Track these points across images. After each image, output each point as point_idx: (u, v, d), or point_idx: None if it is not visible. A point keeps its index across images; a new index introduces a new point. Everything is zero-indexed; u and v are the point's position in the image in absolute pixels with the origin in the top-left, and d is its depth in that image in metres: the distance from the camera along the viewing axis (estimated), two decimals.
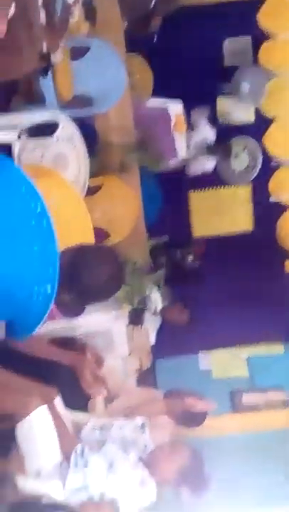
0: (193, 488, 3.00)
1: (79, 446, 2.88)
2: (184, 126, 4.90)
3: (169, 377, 4.22)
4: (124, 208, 4.29)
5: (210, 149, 4.97)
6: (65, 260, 2.53)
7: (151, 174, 4.71)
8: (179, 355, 4.44)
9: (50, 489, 2.73)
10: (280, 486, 3.76)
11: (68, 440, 2.94)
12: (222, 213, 5.15)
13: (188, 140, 4.98)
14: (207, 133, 5.01)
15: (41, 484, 2.76)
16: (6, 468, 2.78)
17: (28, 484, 2.71)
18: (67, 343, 3.46)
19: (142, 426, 3.18)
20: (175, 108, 4.87)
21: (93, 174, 3.80)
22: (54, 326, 3.45)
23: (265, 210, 5.09)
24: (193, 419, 3.42)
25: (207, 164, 5.07)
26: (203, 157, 5.02)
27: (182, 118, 4.89)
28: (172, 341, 4.37)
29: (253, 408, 4.32)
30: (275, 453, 3.93)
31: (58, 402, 3.07)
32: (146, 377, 4.23)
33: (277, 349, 4.77)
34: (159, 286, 4.30)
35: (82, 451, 2.88)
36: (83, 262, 2.87)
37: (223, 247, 5.01)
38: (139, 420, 3.20)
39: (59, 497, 2.73)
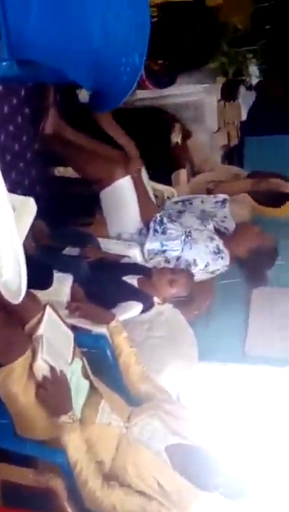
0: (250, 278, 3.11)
1: (158, 215, 3.01)
2: None
3: (257, 156, 4.13)
4: None
5: None
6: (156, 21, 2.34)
7: None
8: (269, 134, 4.28)
9: (130, 251, 2.93)
10: None
11: (149, 209, 3.06)
12: None
13: None
14: None
15: (121, 246, 2.96)
16: (89, 229, 2.96)
17: (109, 245, 2.91)
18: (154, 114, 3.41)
19: (223, 201, 3.24)
20: None
21: None
22: (145, 95, 3.38)
23: None
24: (275, 199, 3.44)
25: None
26: None
27: None
28: (264, 119, 4.19)
29: None
30: None
31: (142, 172, 3.14)
32: (233, 155, 4.18)
33: None
34: (257, 59, 4.00)
35: (162, 220, 3.02)
36: (177, 18, 2.65)
37: None
38: (220, 196, 3.26)
39: (137, 259, 2.94)
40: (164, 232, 2.99)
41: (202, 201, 3.27)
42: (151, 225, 3.00)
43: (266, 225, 3.47)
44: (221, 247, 2.99)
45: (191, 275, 2.80)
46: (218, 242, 3.00)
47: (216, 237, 3.02)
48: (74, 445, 1.99)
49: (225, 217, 3.21)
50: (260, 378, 3.18)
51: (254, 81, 3.95)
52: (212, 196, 3.29)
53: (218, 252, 2.96)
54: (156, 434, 2.15)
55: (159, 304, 2.70)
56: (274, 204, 3.50)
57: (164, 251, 2.95)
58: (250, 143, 4.27)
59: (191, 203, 3.25)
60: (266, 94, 4.25)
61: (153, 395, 2.32)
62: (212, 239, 3.00)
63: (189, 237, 2.98)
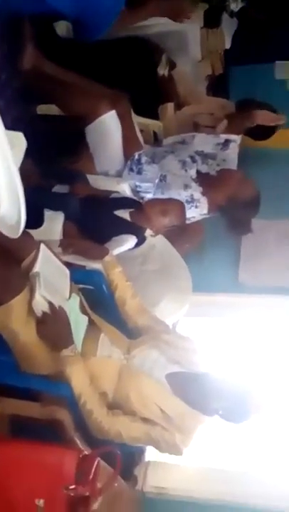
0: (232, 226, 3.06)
1: (137, 154, 2.97)
2: None
3: (242, 86, 4.04)
4: None
5: None
6: None
7: None
8: (254, 62, 4.19)
9: (119, 187, 2.90)
10: None
11: (133, 146, 3.01)
12: None
13: None
14: None
15: (110, 182, 2.93)
16: (77, 166, 2.92)
17: (98, 181, 2.88)
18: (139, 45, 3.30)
19: (225, 143, 3.17)
20: None
21: None
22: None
23: None
24: (262, 133, 3.40)
25: None
26: None
27: None
28: (248, 47, 4.08)
29: None
30: None
31: (128, 106, 3.07)
32: (218, 85, 4.09)
33: None
34: None
35: (139, 159, 2.98)
36: None
37: None
38: (222, 137, 3.18)
39: (127, 193, 2.91)
40: (139, 172, 2.95)
41: (202, 141, 3.20)
42: (128, 163, 2.97)
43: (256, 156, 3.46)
44: (197, 195, 2.91)
45: (182, 204, 2.78)
46: (194, 190, 2.92)
47: (193, 185, 2.95)
48: (77, 377, 2.03)
49: (224, 160, 3.15)
50: (255, 306, 3.24)
51: (238, 6, 3.81)
52: (212, 136, 3.22)
53: (191, 201, 2.90)
54: (155, 364, 2.20)
55: (151, 235, 2.70)
56: (262, 136, 3.46)
57: (138, 192, 2.92)
58: (235, 72, 4.19)
59: (189, 144, 3.19)
60: (249, 20, 4.11)
61: (150, 326, 2.35)
62: (187, 187, 2.93)
63: (163, 182, 2.94)
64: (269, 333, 3.27)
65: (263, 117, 3.21)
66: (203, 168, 3.09)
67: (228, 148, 3.18)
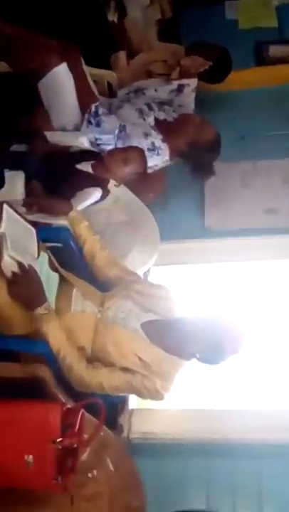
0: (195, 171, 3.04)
1: (93, 106, 2.92)
2: None
3: (193, 29, 3.97)
4: None
5: None
6: None
7: None
8: (203, 3, 4.10)
9: (77, 141, 2.86)
10: None
11: (88, 98, 2.95)
12: None
13: None
14: None
15: (69, 137, 2.88)
16: (33, 124, 2.86)
17: (56, 137, 2.83)
18: None
19: (179, 88, 3.14)
20: None
21: None
22: None
23: None
24: (214, 76, 3.36)
25: None
26: None
27: None
28: None
29: (280, 61, 4.15)
30: None
31: (79, 57, 2.99)
32: (169, 29, 4.01)
33: None
34: None
35: (97, 111, 2.92)
36: None
37: None
38: (175, 83, 3.15)
39: (86, 146, 2.87)
40: (98, 125, 2.91)
41: (156, 90, 3.17)
42: (86, 116, 2.92)
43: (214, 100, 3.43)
44: (157, 143, 2.91)
45: (142, 150, 2.76)
46: (154, 138, 2.92)
47: (153, 133, 2.94)
48: (54, 334, 2.04)
49: (180, 105, 3.12)
50: (222, 250, 3.27)
51: None
52: (166, 84, 3.18)
53: (152, 149, 2.89)
54: (130, 314, 2.22)
55: (115, 185, 2.68)
56: (215, 80, 3.43)
57: (98, 144, 2.89)
58: (185, 15, 4.10)
59: (144, 93, 3.15)
60: None
61: (122, 278, 2.37)
62: (147, 135, 2.92)
63: (123, 132, 2.91)
64: (239, 275, 3.32)
65: (191, 64, 3.19)
66: (161, 115, 3.08)
67: (182, 94, 3.15)
